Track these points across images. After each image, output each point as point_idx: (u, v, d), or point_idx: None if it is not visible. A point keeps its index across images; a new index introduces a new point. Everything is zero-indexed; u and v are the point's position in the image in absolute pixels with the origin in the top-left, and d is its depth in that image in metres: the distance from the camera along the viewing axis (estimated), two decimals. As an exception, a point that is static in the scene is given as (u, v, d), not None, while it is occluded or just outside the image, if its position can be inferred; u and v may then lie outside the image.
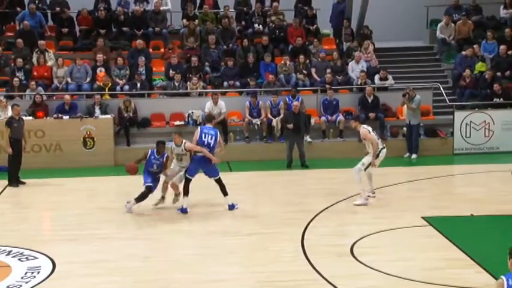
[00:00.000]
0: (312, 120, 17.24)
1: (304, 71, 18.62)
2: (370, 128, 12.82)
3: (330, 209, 12.39)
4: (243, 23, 20.42)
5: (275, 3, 20.57)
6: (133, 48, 19.08)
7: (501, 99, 17.42)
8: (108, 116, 16.93)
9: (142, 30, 19.76)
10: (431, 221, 11.38)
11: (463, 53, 18.82)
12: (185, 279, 8.99)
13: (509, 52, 18.80)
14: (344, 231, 11.17)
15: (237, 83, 18.40)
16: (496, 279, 8.26)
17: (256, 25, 20.28)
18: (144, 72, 18.22)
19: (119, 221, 11.91)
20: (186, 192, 12.08)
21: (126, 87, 17.99)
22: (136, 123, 17.36)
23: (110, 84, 17.91)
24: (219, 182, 12.22)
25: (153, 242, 10.76)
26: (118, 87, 18.00)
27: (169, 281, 8.94)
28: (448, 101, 17.62)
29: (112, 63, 18.61)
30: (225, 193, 12.26)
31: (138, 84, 17.92)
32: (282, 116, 17.09)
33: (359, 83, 18.14)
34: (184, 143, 12.23)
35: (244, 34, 19.90)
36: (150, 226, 11.57)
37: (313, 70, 18.74)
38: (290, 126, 15.84)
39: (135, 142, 17.15)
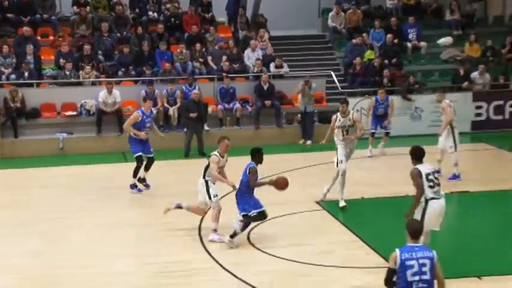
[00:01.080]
0: (209, 109, 17.27)
1: (201, 59, 18.59)
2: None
3: (228, 197, 12.46)
4: (137, 10, 20.08)
5: (170, -9, 20.37)
6: (19, 36, 18.31)
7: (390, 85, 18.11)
8: (-7, 107, 16.22)
9: (29, 17, 18.97)
10: (325, 205, 11.72)
11: (353, 41, 19.41)
12: (78, 273, 8.82)
13: (395, 41, 19.56)
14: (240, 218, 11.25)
15: (132, 72, 18.11)
16: (386, 260, 8.69)
17: (150, 12, 20.01)
18: (32, 60, 17.55)
19: (5, 217, 11.47)
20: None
21: (13, 76, 17.27)
22: (24, 114, 16.72)
23: (-5, 73, 17.14)
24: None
25: (43, 236, 10.44)
26: (3, 77, 17.24)
27: (60, 276, 8.73)
28: (340, 88, 18.13)
29: (-4, 51, 17.78)
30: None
31: (26, 74, 17.25)
32: (179, 104, 16.99)
33: (255, 71, 18.32)
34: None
35: (139, 22, 19.58)
36: (41, 221, 11.22)
37: (209, 58, 18.73)
38: (193, 115, 15.81)
39: (24, 134, 16.55)
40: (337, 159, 11.65)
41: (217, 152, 10.40)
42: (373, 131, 15.72)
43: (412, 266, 6.04)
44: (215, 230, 10.11)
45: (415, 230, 6.24)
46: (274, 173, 14.02)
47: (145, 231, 10.61)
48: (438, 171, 12.91)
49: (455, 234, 10.13)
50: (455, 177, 13.10)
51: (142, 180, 12.98)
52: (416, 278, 6.03)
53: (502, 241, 9.84)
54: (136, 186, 12.82)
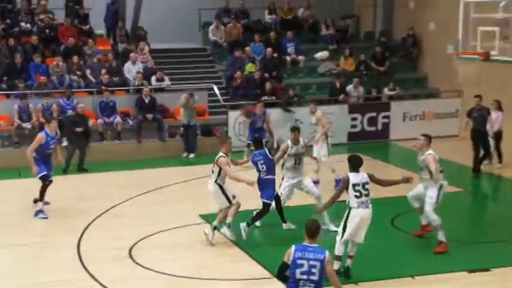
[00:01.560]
0: (89, 123, 16.82)
1: (78, 72, 18.10)
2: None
3: (108, 212, 12.21)
4: (8, 21, 19.23)
5: (43, 1, 19.67)
6: None
7: (273, 98, 18.47)
8: None
9: None
10: (208, 218, 11.72)
11: (234, 54, 19.66)
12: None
13: (275, 54, 20.02)
14: (122, 234, 11.04)
15: (3, 85, 17.32)
16: (269, 271, 8.84)
17: (23, 24, 19.23)
18: None
19: None
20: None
21: None
22: None
23: None
24: None
25: None
26: None
27: None
28: (222, 101, 18.28)
29: None
30: None
31: None
32: (58, 118, 16.42)
33: (136, 84, 18.09)
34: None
35: (10, 33, 18.76)
36: None
37: (88, 71, 18.29)
38: (80, 129, 15.38)
39: None
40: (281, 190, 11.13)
41: (222, 153, 10.34)
42: (249, 142, 16.02)
43: (302, 265, 6.27)
44: (229, 226, 10.35)
45: (311, 230, 6.43)
46: (156, 186, 13.94)
47: (22, 251, 10.15)
48: (317, 182, 13.29)
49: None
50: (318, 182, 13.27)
51: (35, 201, 12.19)
52: (305, 277, 6.27)
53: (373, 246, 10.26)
54: (42, 211, 11.93)
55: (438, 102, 19.34)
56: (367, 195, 8.79)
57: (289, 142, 11.05)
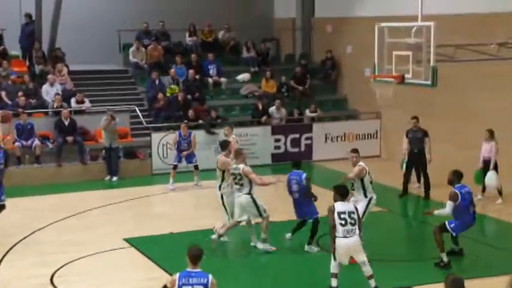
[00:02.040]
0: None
1: (-6, 94, 17.48)
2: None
3: (29, 238, 11.77)
4: None
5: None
6: None
7: (199, 121, 18.35)
8: None
9: None
10: (133, 242, 11.52)
11: (152, 76, 19.42)
12: None
13: (197, 76, 20.02)
14: (44, 261, 10.65)
15: None
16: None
17: None
18: None
19: None
20: None
21: None
22: None
23: None
24: None
25: None
26: None
27: None
28: (145, 123, 18.07)
29: None
30: None
31: None
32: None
33: (54, 106, 17.62)
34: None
35: None
36: None
37: (3, 93, 17.69)
38: None
39: None
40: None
41: (240, 163, 10.77)
42: (175, 163, 15.92)
43: None
44: (265, 240, 10.76)
45: (193, 256, 6.64)
46: (80, 210, 13.57)
47: None
48: None
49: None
50: None
51: None
52: None
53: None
54: None
55: (358, 124, 19.83)
56: (352, 223, 8.78)
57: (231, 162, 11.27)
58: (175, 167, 15.94)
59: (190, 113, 18.38)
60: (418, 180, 15.45)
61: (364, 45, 18.46)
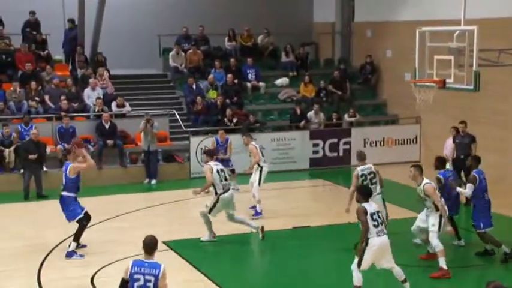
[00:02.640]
0: (48, 149, 16.53)
1: (37, 98, 17.82)
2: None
3: (69, 240, 11.94)
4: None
5: (-1, 27, 19.45)
6: None
7: (231, 124, 18.45)
8: None
9: None
10: (172, 244, 11.60)
11: (188, 82, 19.49)
12: None
13: (236, 80, 20.10)
14: (84, 262, 10.83)
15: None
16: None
17: (-21, 50, 18.91)
18: None
19: None
20: None
21: None
22: None
23: None
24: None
25: None
26: None
27: None
28: (183, 127, 18.21)
29: None
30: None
31: None
32: (15, 145, 16.11)
33: (95, 110, 17.90)
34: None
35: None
36: None
37: (46, 97, 18.03)
38: (33, 156, 15.11)
39: None
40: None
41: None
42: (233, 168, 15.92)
43: (138, 280, 6.69)
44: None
45: (147, 246, 6.80)
46: (119, 213, 13.73)
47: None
48: (255, 207, 13.53)
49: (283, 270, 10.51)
50: (257, 213, 13.43)
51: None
52: None
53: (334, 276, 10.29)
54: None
55: (398, 129, 19.66)
56: (382, 223, 8.86)
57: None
58: (233, 170, 15.71)
59: (229, 115, 18.40)
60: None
61: (404, 49, 18.35)
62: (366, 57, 21.54)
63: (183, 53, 20.93)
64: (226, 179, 11.73)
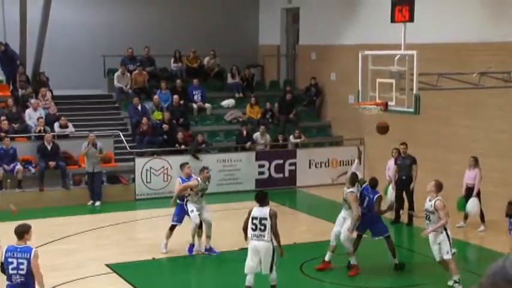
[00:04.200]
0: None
1: (-24, 118, 17.37)
2: None
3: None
4: None
5: None
6: None
7: (182, 146, 18.35)
8: None
9: None
10: (115, 267, 11.43)
11: (133, 102, 19.31)
12: None
13: (182, 101, 20.06)
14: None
15: None
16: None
17: None
18: None
19: None
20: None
21: None
22: None
23: None
24: None
25: None
26: None
27: None
28: (128, 148, 18.02)
29: None
30: None
31: None
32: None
33: (37, 130, 17.55)
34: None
35: None
36: None
37: (-14, 117, 17.58)
38: None
39: None
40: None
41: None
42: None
43: (12, 263, 7.74)
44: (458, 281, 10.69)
45: (18, 232, 7.78)
46: (61, 236, 13.44)
47: None
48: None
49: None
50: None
51: None
52: (15, 272, 7.76)
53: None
54: None
55: (342, 150, 19.93)
56: (262, 230, 9.37)
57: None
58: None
59: (180, 138, 18.30)
60: (402, 207, 15.48)
61: (348, 72, 18.68)
62: (311, 79, 21.83)
63: (128, 74, 20.78)
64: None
